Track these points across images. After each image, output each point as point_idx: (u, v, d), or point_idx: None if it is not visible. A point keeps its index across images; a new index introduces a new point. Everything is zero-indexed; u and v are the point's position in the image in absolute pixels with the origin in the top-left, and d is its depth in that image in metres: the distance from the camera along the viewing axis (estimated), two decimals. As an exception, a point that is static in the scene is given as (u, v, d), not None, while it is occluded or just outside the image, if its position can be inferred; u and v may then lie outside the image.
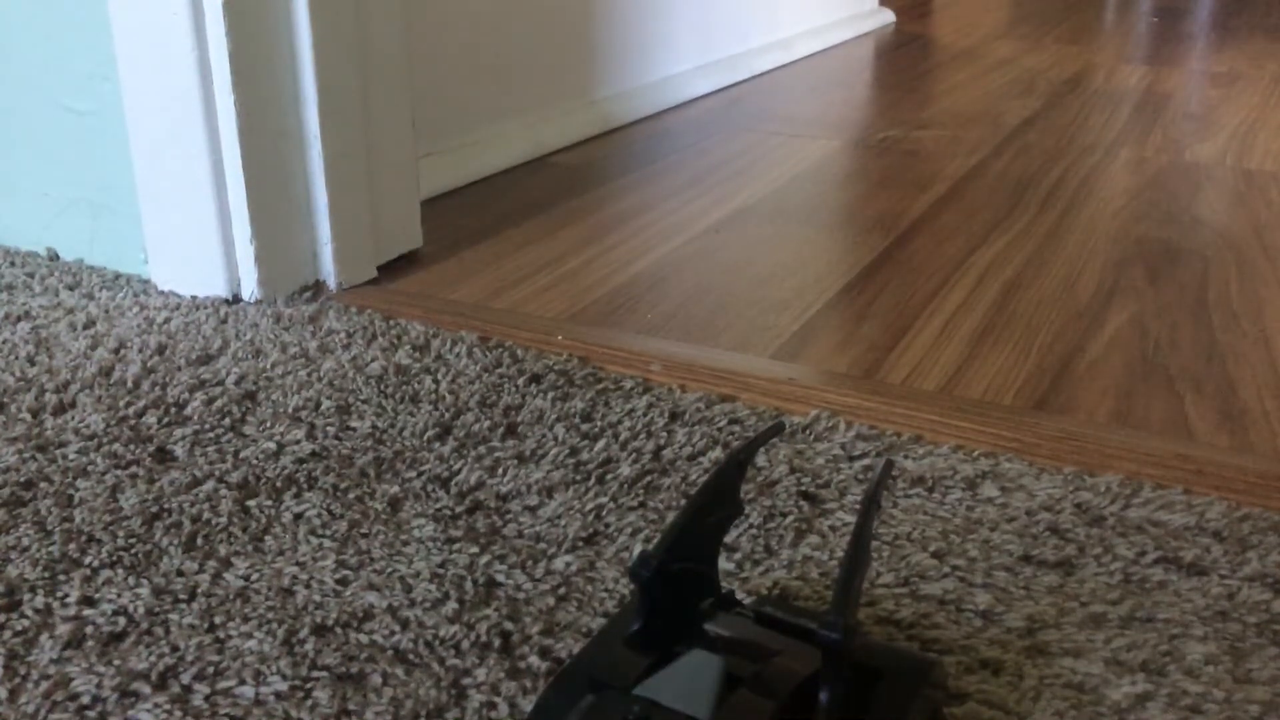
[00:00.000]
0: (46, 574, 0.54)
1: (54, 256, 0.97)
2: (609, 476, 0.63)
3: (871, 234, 1.10)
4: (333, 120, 0.87)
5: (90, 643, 0.49)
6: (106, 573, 0.54)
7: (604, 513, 0.59)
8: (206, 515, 0.59)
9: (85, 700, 0.46)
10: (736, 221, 1.14)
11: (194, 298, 0.88)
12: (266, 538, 0.57)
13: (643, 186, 1.26)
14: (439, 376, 0.74)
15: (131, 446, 0.65)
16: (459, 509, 0.60)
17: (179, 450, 0.65)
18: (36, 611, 0.51)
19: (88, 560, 0.55)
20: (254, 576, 0.54)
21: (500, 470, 0.63)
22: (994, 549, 0.56)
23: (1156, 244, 1.07)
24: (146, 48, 0.83)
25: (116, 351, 0.77)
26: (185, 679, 0.47)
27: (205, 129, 0.83)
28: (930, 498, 0.61)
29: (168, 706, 0.46)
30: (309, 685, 0.47)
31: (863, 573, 0.40)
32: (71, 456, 0.64)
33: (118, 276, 0.92)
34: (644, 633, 0.41)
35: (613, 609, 0.52)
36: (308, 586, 0.53)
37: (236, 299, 0.87)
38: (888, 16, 2.37)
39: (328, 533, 0.58)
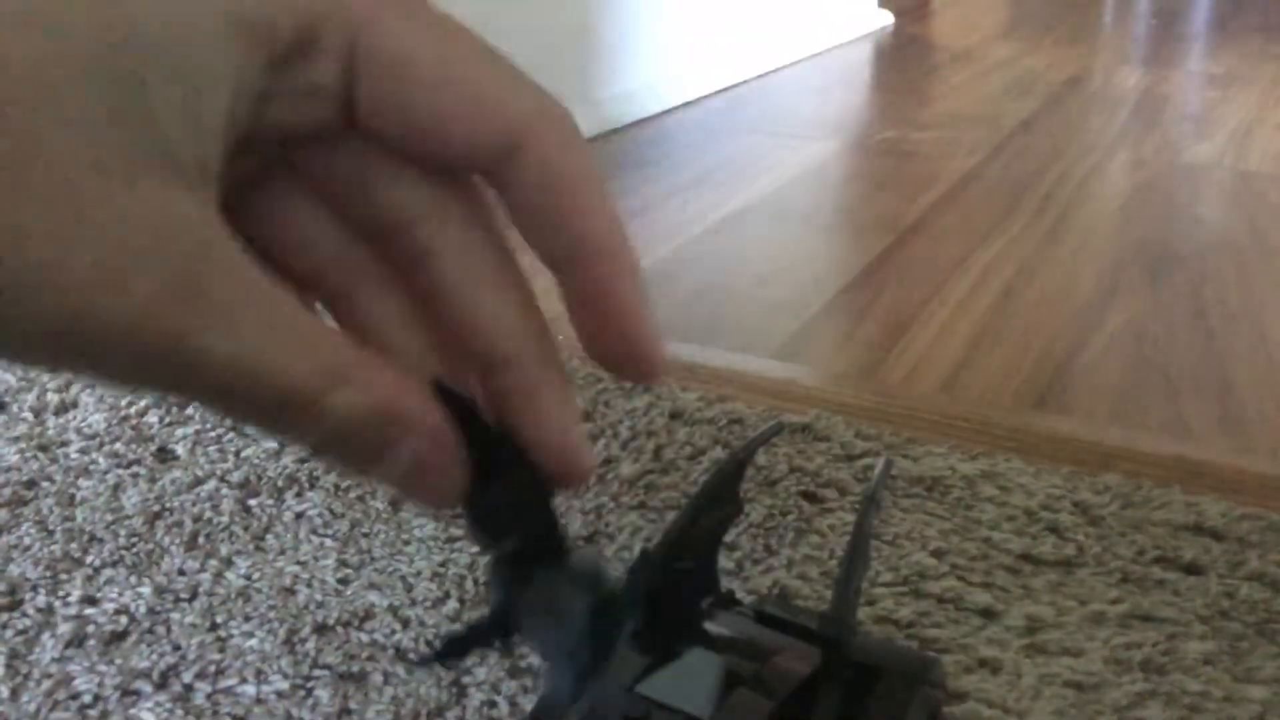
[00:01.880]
0: (48, 573, 0.54)
1: (54, 256, 0.97)
2: (609, 476, 0.63)
3: (871, 234, 1.11)
4: (333, 120, 0.87)
5: (92, 641, 0.50)
6: (108, 572, 0.54)
7: (604, 512, 0.59)
8: (208, 514, 0.59)
9: (87, 699, 0.46)
10: (736, 221, 1.14)
11: (194, 298, 0.88)
12: (268, 537, 0.57)
13: (643, 186, 1.26)
14: (439, 376, 0.74)
15: (133, 446, 0.65)
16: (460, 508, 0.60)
17: (180, 449, 0.65)
18: (38, 610, 0.51)
19: (89, 559, 0.55)
20: (255, 575, 0.54)
21: (501, 470, 0.63)
22: (993, 548, 0.57)
23: (1155, 245, 1.08)
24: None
25: (117, 351, 0.78)
26: (187, 678, 0.48)
27: (206, 129, 0.83)
28: (930, 497, 0.61)
29: (169, 705, 0.46)
30: (310, 684, 0.47)
31: (863, 572, 0.40)
32: (73, 456, 0.64)
33: (118, 276, 0.92)
34: (644, 633, 0.41)
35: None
36: (309, 585, 0.53)
37: (237, 299, 0.87)
38: (886, 18, 2.37)
39: (329, 532, 0.58)
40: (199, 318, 0.18)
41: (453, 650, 0.29)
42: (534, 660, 0.49)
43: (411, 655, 0.49)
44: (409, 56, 0.21)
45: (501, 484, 0.25)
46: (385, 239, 0.23)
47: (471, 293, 0.23)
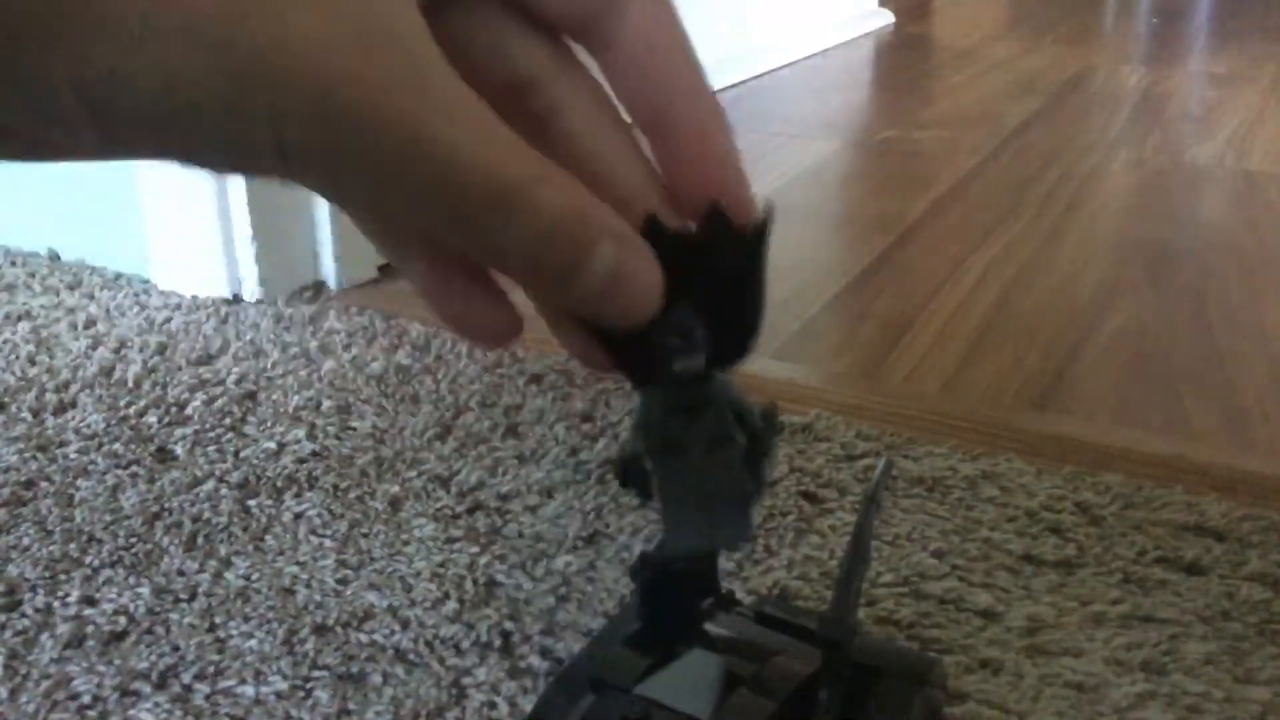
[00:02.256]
0: (47, 573, 0.54)
1: (55, 256, 0.97)
2: (609, 476, 0.63)
3: (871, 234, 1.10)
4: (333, 120, 0.87)
5: (91, 642, 0.49)
6: (107, 572, 0.54)
7: (604, 512, 0.59)
8: (207, 515, 0.59)
9: (86, 700, 0.46)
10: (736, 222, 1.14)
11: (194, 298, 0.88)
12: (267, 537, 0.57)
13: (643, 187, 1.26)
14: (439, 376, 0.74)
15: (132, 446, 0.65)
16: (459, 508, 0.60)
17: (179, 450, 0.65)
18: (37, 611, 0.51)
19: (88, 560, 0.55)
20: (254, 576, 0.54)
21: (501, 470, 0.63)
22: (994, 548, 0.56)
23: (1156, 244, 1.07)
24: (147, 48, 0.83)
25: (117, 351, 0.77)
26: (186, 678, 0.47)
27: (206, 129, 0.83)
28: (930, 497, 0.61)
29: (168, 706, 0.46)
30: (309, 685, 0.47)
31: (863, 573, 0.40)
32: (72, 456, 0.64)
33: (118, 276, 0.92)
34: (644, 633, 0.41)
35: (613, 609, 0.52)
36: (308, 586, 0.53)
37: (237, 299, 0.87)
38: (887, 17, 2.37)
39: (328, 532, 0.58)
40: (426, 106, 0.20)
41: (634, 477, 0.29)
42: (533, 660, 0.48)
43: (411, 656, 0.49)
44: None
45: (703, 279, 0.25)
46: (515, 96, 0.25)
47: (596, 142, 0.25)
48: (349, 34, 0.20)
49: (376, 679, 0.47)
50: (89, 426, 0.67)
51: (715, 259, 0.26)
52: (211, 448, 0.65)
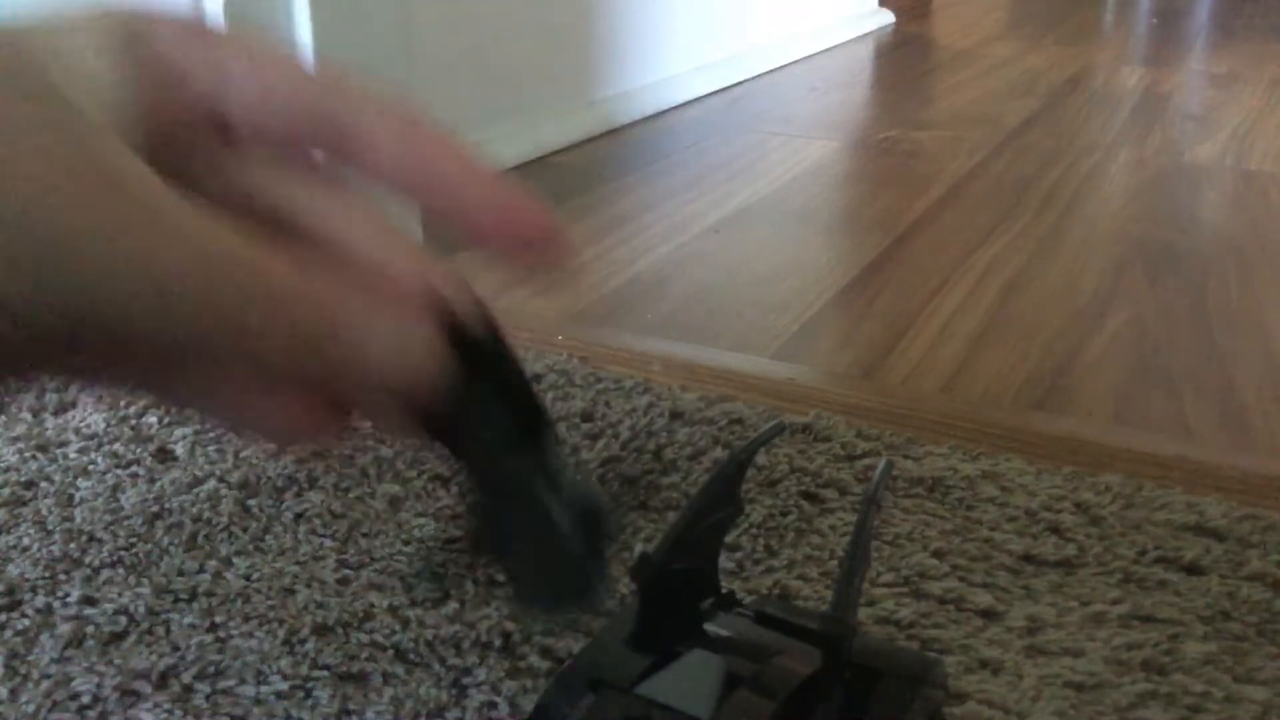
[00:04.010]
0: (47, 573, 0.54)
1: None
2: (610, 476, 0.63)
3: (871, 234, 1.10)
4: (333, 120, 0.87)
5: (91, 642, 0.49)
6: (107, 572, 0.54)
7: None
8: (207, 515, 0.59)
9: (86, 700, 0.46)
10: (736, 221, 1.14)
11: (194, 297, 0.88)
12: (267, 537, 0.57)
13: (643, 186, 1.26)
14: (439, 376, 0.74)
15: (132, 446, 0.65)
16: (460, 508, 0.60)
17: (180, 450, 0.65)
18: (37, 611, 0.51)
19: (88, 560, 0.55)
20: (255, 576, 0.54)
21: (500, 470, 0.63)
22: (994, 549, 0.56)
23: (1156, 244, 1.07)
24: (147, 48, 0.83)
25: (117, 351, 0.77)
26: (186, 678, 0.47)
27: (206, 129, 0.83)
28: (930, 497, 0.61)
29: (168, 706, 0.46)
30: (310, 684, 0.47)
31: (863, 573, 0.40)
32: (72, 456, 0.64)
33: (118, 276, 0.92)
34: (644, 633, 0.41)
35: (613, 609, 0.52)
36: (308, 586, 0.53)
37: (237, 299, 0.87)
38: (887, 17, 2.37)
39: (328, 532, 0.58)
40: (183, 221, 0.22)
41: (437, 575, 0.32)
42: (533, 660, 0.48)
43: (411, 656, 0.49)
44: (266, 62, 0.27)
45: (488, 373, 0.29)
46: (282, 227, 0.28)
47: (361, 244, 0.28)
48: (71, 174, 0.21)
49: (377, 679, 0.47)
50: (89, 426, 0.67)
51: (489, 353, 0.30)
52: (211, 448, 0.65)
